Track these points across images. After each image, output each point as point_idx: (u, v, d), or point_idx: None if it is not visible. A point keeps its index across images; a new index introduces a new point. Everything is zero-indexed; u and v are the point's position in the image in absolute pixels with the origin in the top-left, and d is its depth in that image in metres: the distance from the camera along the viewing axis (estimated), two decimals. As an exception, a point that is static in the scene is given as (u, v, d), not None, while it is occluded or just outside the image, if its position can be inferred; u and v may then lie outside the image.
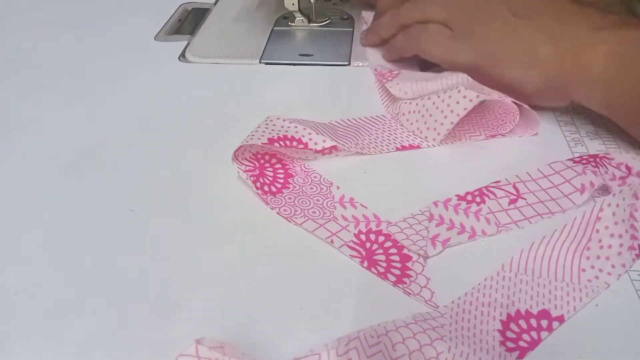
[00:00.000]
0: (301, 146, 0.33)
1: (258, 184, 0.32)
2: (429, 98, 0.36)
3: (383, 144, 0.36)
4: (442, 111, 0.35)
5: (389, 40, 0.43)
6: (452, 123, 0.35)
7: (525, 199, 0.32)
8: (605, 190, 0.32)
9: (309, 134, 0.34)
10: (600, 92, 0.33)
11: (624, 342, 0.25)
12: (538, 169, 0.33)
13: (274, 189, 0.32)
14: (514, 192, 0.32)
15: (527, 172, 0.33)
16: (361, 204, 0.32)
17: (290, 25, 0.51)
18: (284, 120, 0.34)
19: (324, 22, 0.51)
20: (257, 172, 0.33)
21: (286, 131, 0.34)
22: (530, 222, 0.31)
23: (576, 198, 0.31)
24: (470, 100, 0.34)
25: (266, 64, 0.46)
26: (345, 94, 0.42)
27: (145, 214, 0.32)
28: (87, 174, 0.35)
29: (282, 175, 0.33)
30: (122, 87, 0.44)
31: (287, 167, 0.34)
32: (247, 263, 0.29)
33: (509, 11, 0.36)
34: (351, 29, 0.51)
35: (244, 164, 0.33)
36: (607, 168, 0.32)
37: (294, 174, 0.34)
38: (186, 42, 0.50)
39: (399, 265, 0.28)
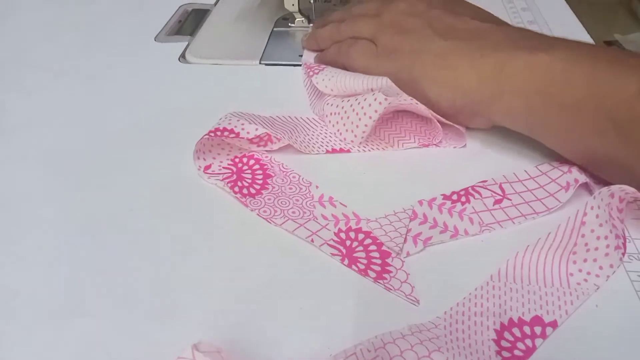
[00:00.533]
0: (232, 135, 0.33)
1: (236, 188, 0.32)
2: (348, 100, 0.37)
3: (315, 145, 0.36)
4: (357, 113, 0.36)
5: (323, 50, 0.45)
6: (366, 125, 0.35)
7: (511, 200, 0.32)
8: (589, 190, 0.32)
9: (242, 124, 0.34)
10: (520, 105, 0.32)
11: (624, 342, 0.25)
12: (525, 171, 0.33)
13: (252, 191, 0.33)
14: (500, 193, 0.32)
15: (513, 173, 0.33)
16: (340, 203, 0.32)
17: (290, 26, 0.52)
18: (220, 119, 0.35)
19: None
20: (235, 176, 0.33)
21: (218, 124, 0.34)
22: (514, 223, 0.31)
23: (561, 196, 0.31)
24: (380, 103, 0.34)
25: (266, 64, 0.46)
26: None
27: (145, 214, 0.32)
28: (87, 174, 0.35)
29: (260, 176, 0.34)
30: (122, 87, 0.44)
31: (266, 167, 0.34)
32: (246, 263, 0.29)
33: (431, 30, 0.37)
34: (351, 30, 0.51)
35: (220, 174, 0.34)
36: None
37: (273, 175, 0.34)
38: (186, 43, 0.50)
39: (379, 261, 0.28)
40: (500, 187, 0.32)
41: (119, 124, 0.39)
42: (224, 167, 0.34)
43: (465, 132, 0.36)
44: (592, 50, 0.31)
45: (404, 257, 0.29)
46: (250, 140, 0.34)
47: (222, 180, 0.33)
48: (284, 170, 0.34)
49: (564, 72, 0.31)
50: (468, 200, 0.32)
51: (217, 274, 0.28)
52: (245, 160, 0.35)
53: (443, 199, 0.32)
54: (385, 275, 0.28)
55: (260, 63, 0.46)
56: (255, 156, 0.35)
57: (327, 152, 0.36)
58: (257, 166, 0.34)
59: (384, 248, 0.29)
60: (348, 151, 0.36)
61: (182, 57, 0.48)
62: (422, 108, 0.35)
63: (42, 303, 0.27)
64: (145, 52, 0.49)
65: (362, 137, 0.36)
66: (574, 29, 0.51)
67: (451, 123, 0.36)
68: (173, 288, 0.27)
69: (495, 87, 0.33)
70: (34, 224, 0.31)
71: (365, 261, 0.28)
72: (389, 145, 0.36)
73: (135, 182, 0.34)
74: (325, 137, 0.37)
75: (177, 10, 0.56)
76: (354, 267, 0.28)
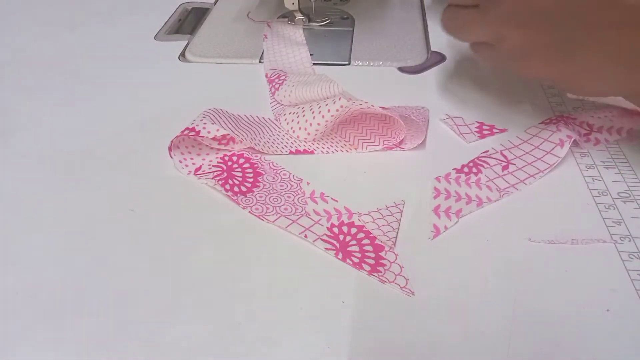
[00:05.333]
0: (192, 133, 0.33)
1: (227, 186, 0.33)
2: (310, 105, 0.37)
3: (279, 146, 0.36)
4: (312, 112, 0.36)
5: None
6: (319, 124, 0.36)
7: (515, 164, 0.34)
8: (576, 144, 0.35)
9: (204, 123, 0.34)
10: None
11: (624, 342, 0.25)
12: (517, 136, 0.36)
13: (244, 189, 0.33)
14: (504, 159, 0.35)
15: (508, 140, 0.36)
16: (332, 198, 0.32)
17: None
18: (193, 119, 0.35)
19: (324, 22, 0.51)
20: (225, 174, 0.33)
21: (190, 124, 0.34)
22: (526, 184, 0.33)
23: (558, 152, 0.34)
24: (342, 106, 0.35)
25: (266, 63, 0.46)
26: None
27: (145, 214, 0.32)
28: (87, 174, 0.35)
29: (250, 174, 0.34)
30: (122, 86, 0.44)
31: (256, 165, 0.34)
32: (246, 263, 0.29)
33: (596, 16, 0.29)
34: (351, 29, 0.51)
35: (211, 172, 0.34)
36: (573, 127, 0.36)
37: (263, 173, 0.34)
38: (186, 42, 0.50)
39: (372, 255, 0.29)
40: (502, 154, 0.35)
41: (119, 123, 0.39)
42: (214, 166, 0.34)
43: (425, 128, 0.37)
44: None
45: (442, 231, 0.30)
46: (213, 138, 0.34)
47: (212, 178, 0.33)
48: (274, 168, 0.35)
49: None
50: (480, 171, 0.34)
51: (217, 273, 0.28)
52: (235, 158, 0.35)
53: (456, 172, 0.34)
54: (380, 269, 0.28)
55: (260, 62, 0.46)
56: (245, 155, 0.35)
57: (291, 152, 0.36)
58: (247, 164, 0.34)
59: (377, 242, 0.30)
60: (312, 152, 0.36)
61: (182, 56, 0.48)
62: (379, 110, 0.35)
63: (42, 303, 0.27)
64: (145, 51, 0.49)
65: (315, 135, 0.36)
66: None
67: (414, 117, 0.36)
68: (173, 288, 0.27)
69: None
70: (34, 224, 0.31)
71: (359, 255, 0.29)
72: (353, 147, 0.36)
73: (135, 182, 0.34)
74: (290, 138, 0.37)
75: (177, 9, 0.56)
76: (348, 260, 0.28)
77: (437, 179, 0.33)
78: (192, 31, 0.52)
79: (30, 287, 0.28)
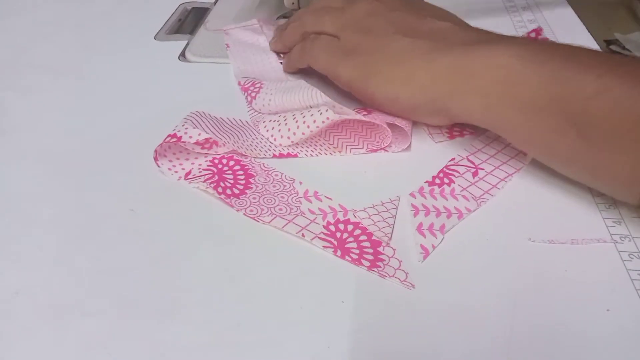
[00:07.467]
0: (174, 140, 0.33)
1: (220, 189, 0.32)
2: (292, 114, 0.36)
3: (264, 149, 0.36)
4: (296, 121, 0.36)
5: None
6: (303, 134, 0.35)
7: (484, 169, 0.34)
8: None
9: (186, 128, 0.34)
10: (477, 104, 0.32)
11: (624, 342, 0.25)
12: (479, 140, 0.36)
13: (236, 191, 0.33)
14: (472, 165, 0.34)
15: (471, 144, 0.36)
16: (326, 196, 0.32)
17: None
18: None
19: None
20: (217, 177, 0.33)
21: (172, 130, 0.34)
22: (499, 188, 0.33)
23: (522, 158, 0.35)
24: (328, 118, 0.34)
25: (266, 63, 0.46)
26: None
27: (145, 214, 0.32)
28: (86, 174, 0.35)
29: (242, 177, 0.34)
30: (122, 86, 0.44)
31: (247, 167, 0.34)
32: (246, 262, 0.29)
33: (392, 28, 0.37)
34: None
35: (202, 176, 0.33)
36: None
37: (255, 174, 0.34)
38: (186, 42, 0.50)
39: (370, 250, 0.29)
40: (469, 160, 0.35)
41: (119, 123, 0.39)
42: (204, 169, 0.34)
43: (410, 133, 0.36)
44: (548, 49, 0.31)
45: (431, 250, 0.29)
46: (196, 143, 0.34)
47: (204, 182, 0.33)
48: (265, 169, 0.34)
49: (520, 72, 0.30)
50: (452, 180, 0.33)
51: (217, 273, 0.28)
52: (225, 161, 0.35)
53: (429, 185, 0.33)
54: (379, 264, 0.28)
55: (260, 62, 0.46)
56: (235, 157, 0.35)
57: (274, 156, 0.36)
58: (237, 167, 0.34)
59: (374, 238, 0.30)
60: (295, 155, 0.36)
61: (182, 55, 0.48)
62: (363, 118, 0.35)
63: (42, 303, 0.27)
64: (145, 51, 0.49)
65: (295, 142, 0.36)
66: (574, 28, 0.51)
67: (398, 123, 0.36)
68: (173, 288, 0.27)
69: (450, 86, 0.33)
70: (34, 224, 0.31)
71: (357, 251, 0.29)
72: (337, 150, 0.36)
73: (135, 182, 0.34)
74: (274, 141, 0.37)
75: (177, 8, 0.56)
76: (347, 257, 0.28)
77: (412, 194, 0.32)
78: (192, 31, 0.52)
79: (30, 287, 0.28)
